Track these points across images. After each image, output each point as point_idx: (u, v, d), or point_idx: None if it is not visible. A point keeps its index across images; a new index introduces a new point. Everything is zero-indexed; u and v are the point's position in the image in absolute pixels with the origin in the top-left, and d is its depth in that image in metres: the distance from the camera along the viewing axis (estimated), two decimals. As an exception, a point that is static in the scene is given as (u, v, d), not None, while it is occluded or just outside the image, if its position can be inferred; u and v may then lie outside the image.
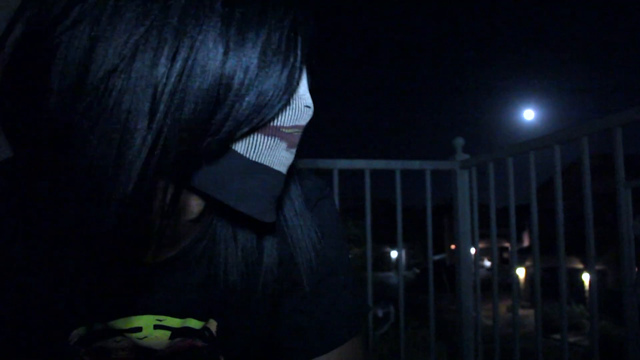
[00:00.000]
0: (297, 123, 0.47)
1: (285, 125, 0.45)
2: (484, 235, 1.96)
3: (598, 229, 1.30)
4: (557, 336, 1.39)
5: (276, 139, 0.45)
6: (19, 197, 0.48)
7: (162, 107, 0.38)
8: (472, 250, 1.94)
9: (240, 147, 0.44)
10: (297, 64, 0.43)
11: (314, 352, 0.57)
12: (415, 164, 1.91)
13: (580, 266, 13.97)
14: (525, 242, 18.22)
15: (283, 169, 0.47)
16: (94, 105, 0.37)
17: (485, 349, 1.84)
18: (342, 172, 1.79)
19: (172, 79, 0.38)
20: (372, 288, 1.82)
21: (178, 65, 0.38)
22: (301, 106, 0.46)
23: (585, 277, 13.89)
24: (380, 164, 1.85)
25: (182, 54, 0.38)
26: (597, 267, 1.26)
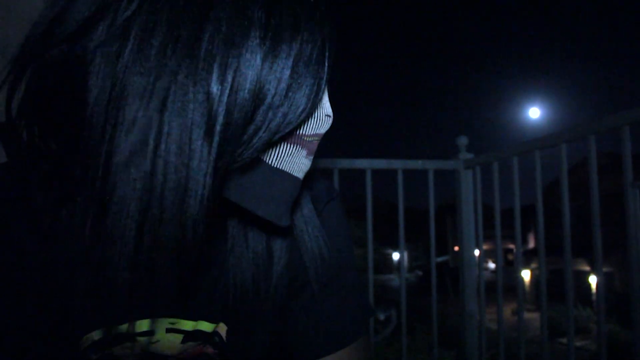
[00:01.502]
0: (318, 131, 0.49)
1: (307, 133, 0.48)
2: (489, 237, 1.96)
3: (605, 230, 1.30)
4: (564, 340, 1.39)
5: (298, 146, 0.48)
6: (34, 199, 0.49)
7: (219, 119, 0.39)
8: (476, 252, 1.94)
9: (263, 154, 0.46)
10: (324, 76, 0.45)
11: (321, 352, 0.59)
12: (417, 164, 1.91)
13: (587, 268, 13.98)
14: (531, 244, 18.22)
15: (301, 175, 0.49)
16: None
17: (490, 354, 1.85)
18: (342, 171, 1.79)
19: (227, 91, 0.40)
20: (373, 291, 1.82)
21: (229, 76, 0.40)
22: (323, 115, 0.49)
23: (593, 280, 13.89)
24: (381, 163, 1.85)
25: (232, 65, 0.40)
26: (605, 269, 1.26)
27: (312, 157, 0.50)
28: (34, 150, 0.48)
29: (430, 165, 1.91)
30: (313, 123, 0.48)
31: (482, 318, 1.84)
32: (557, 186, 1.41)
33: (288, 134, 0.46)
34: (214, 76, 0.39)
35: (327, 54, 0.46)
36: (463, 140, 1.97)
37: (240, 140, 0.42)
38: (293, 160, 0.48)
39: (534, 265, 15.80)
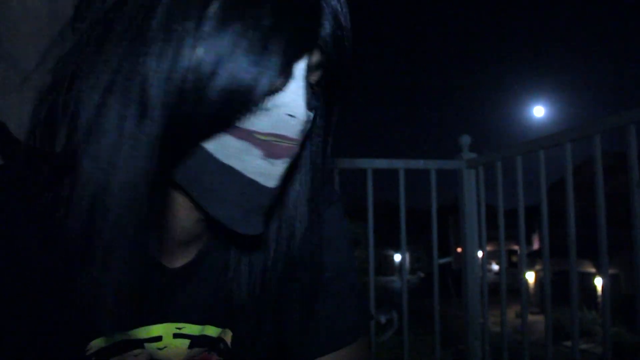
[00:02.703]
0: (276, 132, 0.46)
1: (259, 130, 0.45)
2: (492, 238, 1.96)
3: (611, 230, 1.29)
4: (568, 343, 1.39)
5: (247, 144, 0.45)
6: (35, 203, 0.50)
7: (158, 98, 0.40)
8: (479, 254, 1.94)
9: (209, 146, 0.45)
10: (275, 67, 0.43)
11: (320, 351, 0.60)
12: (419, 163, 1.91)
13: (593, 270, 13.98)
14: (535, 245, 18.22)
15: (263, 180, 0.47)
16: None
17: (493, 357, 1.84)
18: (343, 171, 1.79)
19: (164, 69, 0.40)
20: (375, 293, 1.82)
21: (168, 54, 0.40)
22: (281, 114, 0.46)
23: (598, 282, 13.89)
24: (383, 163, 1.85)
25: (172, 43, 0.41)
26: (610, 271, 1.26)
27: (277, 161, 0.47)
28: (33, 151, 0.49)
29: (433, 165, 1.91)
30: (267, 120, 0.46)
31: (485, 321, 1.84)
32: (561, 186, 1.41)
33: (236, 129, 0.45)
34: (153, 54, 0.40)
35: (285, 49, 0.43)
36: (466, 140, 1.97)
37: (178, 120, 0.42)
38: (244, 159, 0.46)
39: (538, 266, 15.80)
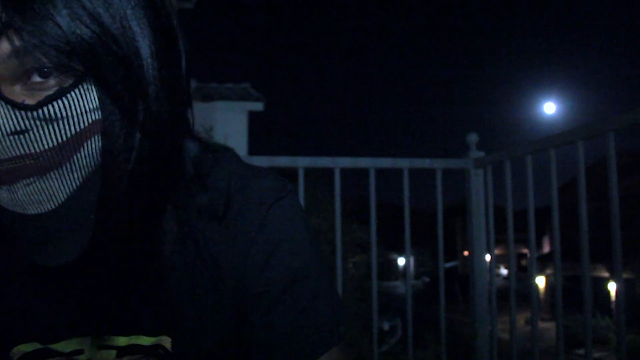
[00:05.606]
0: None
1: None
2: (500, 241, 1.96)
3: (626, 233, 1.29)
4: (581, 351, 1.39)
5: None
6: None
7: None
8: (487, 257, 1.94)
9: None
10: None
11: None
12: (425, 163, 1.91)
13: (606, 274, 13.98)
14: (546, 248, 18.22)
15: (18, 209, 0.45)
16: None
17: (502, 366, 1.85)
18: (344, 171, 1.80)
19: None
20: (378, 299, 1.82)
21: None
22: None
23: (612, 287, 13.89)
24: (386, 162, 1.85)
25: None
26: (625, 276, 1.26)
27: (13, 187, 0.44)
28: None
29: (439, 164, 1.91)
30: None
31: (493, 328, 1.84)
32: (574, 187, 1.41)
33: None
34: None
35: None
36: (473, 138, 1.97)
37: None
38: None
39: (549, 271, 15.80)
